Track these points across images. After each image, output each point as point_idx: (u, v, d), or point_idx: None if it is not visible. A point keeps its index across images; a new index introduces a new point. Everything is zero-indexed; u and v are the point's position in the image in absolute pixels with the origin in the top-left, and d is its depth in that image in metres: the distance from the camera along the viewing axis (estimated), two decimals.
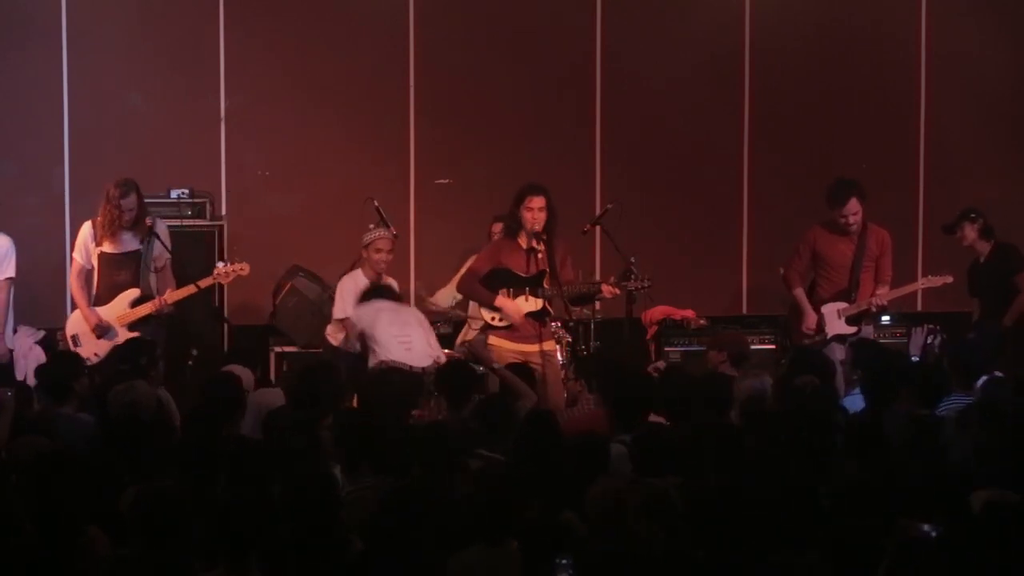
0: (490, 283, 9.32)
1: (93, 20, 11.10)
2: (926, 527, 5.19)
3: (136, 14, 11.18)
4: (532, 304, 9.24)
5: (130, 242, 9.50)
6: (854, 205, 10.01)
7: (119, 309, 9.49)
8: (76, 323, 9.61)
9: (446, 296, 10.81)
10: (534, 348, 9.21)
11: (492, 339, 9.27)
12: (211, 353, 10.07)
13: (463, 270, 10.60)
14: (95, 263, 9.53)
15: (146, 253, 9.49)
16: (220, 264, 9.68)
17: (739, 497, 5.49)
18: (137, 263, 9.50)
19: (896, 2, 12.57)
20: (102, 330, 9.45)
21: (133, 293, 9.50)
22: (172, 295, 9.47)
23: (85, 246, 9.56)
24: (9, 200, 10.91)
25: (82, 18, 11.07)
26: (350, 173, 11.39)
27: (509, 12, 11.91)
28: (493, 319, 9.31)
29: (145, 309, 9.45)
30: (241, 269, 9.53)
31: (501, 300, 9.25)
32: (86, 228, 9.59)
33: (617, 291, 9.22)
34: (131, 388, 7.34)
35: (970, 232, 10.57)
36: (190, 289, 9.49)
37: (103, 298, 9.55)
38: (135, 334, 9.35)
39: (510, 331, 9.24)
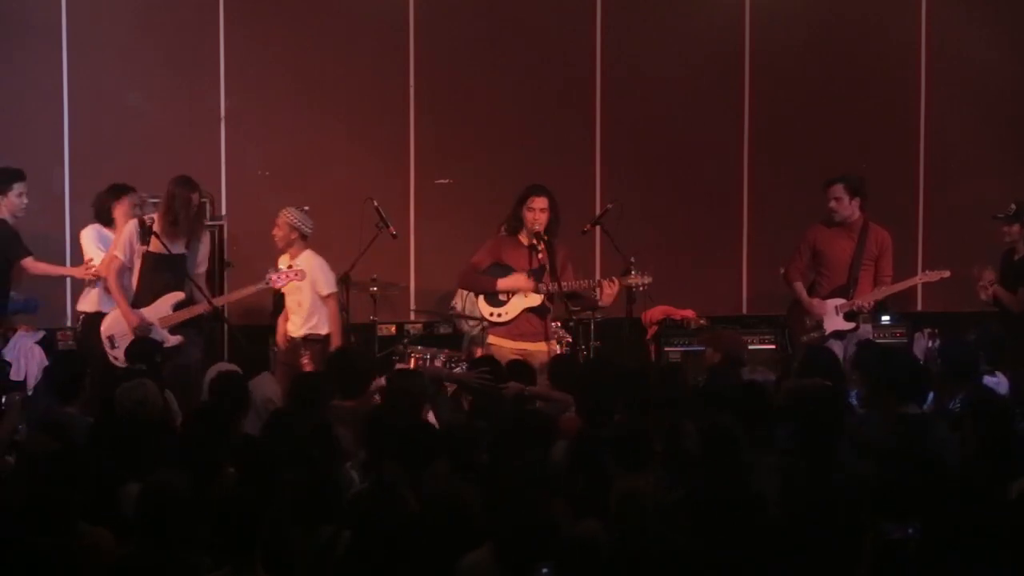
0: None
1: (93, 20, 11.10)
2: (910, 530, 5.16)
3: (136, 14, 11.18)
4: (531, 299, 9.25)
5: (178, 244, 9.20)
6: (837, 190, 10.07)
7: (162, 311, 9.15)
8: (115, 323, 9.23)
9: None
10: (534, 346, 9.21)
11: (492, 337, 9.30)
12: (211, 354, 10.06)
13: None
14: (136, 263, 9.22)
15: (191, 256, 9.21)
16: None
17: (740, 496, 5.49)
18: (182, 266, 9.15)
19: (896, 2, 12.58)
20: (144, 331, 9.07)
21: (177, 296, 9.17)
22: (225, 297, 9.29)
23: (131, 244, 9.20)
24: None
25: (82, 18, 11.07)
26: (350, 173, 11.40)
27: (509, 12, 11.91)
28: (492, 315, 9.30)
29: (193, 311, 9.15)
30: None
31: (503, 281, 9.23)
32: (132, 226, 9.24)
33: (616, 283, 9.18)
34: (141, 386, 7.32)
35: (1018, 232, 10.57)
36: (244, 291, 9.40)
37: (143, 299, 9.19)
38: (179, 337, 9.12)
39: (509, 328, 9.25)
